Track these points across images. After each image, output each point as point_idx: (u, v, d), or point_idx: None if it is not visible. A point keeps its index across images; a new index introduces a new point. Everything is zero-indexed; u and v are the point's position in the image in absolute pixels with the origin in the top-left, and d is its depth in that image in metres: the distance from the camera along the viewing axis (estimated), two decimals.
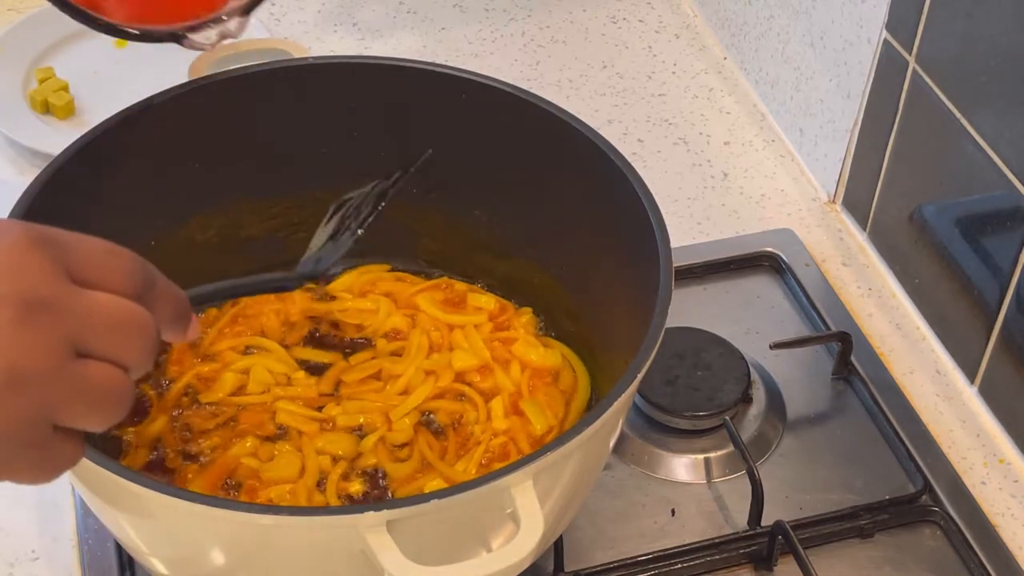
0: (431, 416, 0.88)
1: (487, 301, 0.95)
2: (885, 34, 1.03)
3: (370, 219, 0.86)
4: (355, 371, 0.91)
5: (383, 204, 0.88)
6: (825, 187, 1.16)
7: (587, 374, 0.92)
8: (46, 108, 1.18)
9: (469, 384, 0.90)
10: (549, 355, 0.92)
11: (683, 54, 1.32)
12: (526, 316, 0.95)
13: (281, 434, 0.87)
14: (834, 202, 1.15)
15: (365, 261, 0.97)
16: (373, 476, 0.85)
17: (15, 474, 0.54)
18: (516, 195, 0.93)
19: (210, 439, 0.86)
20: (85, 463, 0.67)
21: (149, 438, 0.86)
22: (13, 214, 0.78)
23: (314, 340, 0.93)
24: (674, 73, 1.30)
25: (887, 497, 0.91)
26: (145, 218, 0.87)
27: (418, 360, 0.90)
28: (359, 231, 0.86)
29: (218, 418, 0.87)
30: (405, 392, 0.89)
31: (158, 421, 0.87)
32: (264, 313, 0.93)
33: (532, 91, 0.89)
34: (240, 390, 0.89)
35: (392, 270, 0.98)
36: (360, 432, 0.87)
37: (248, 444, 0.85)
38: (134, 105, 0.85)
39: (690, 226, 1.13)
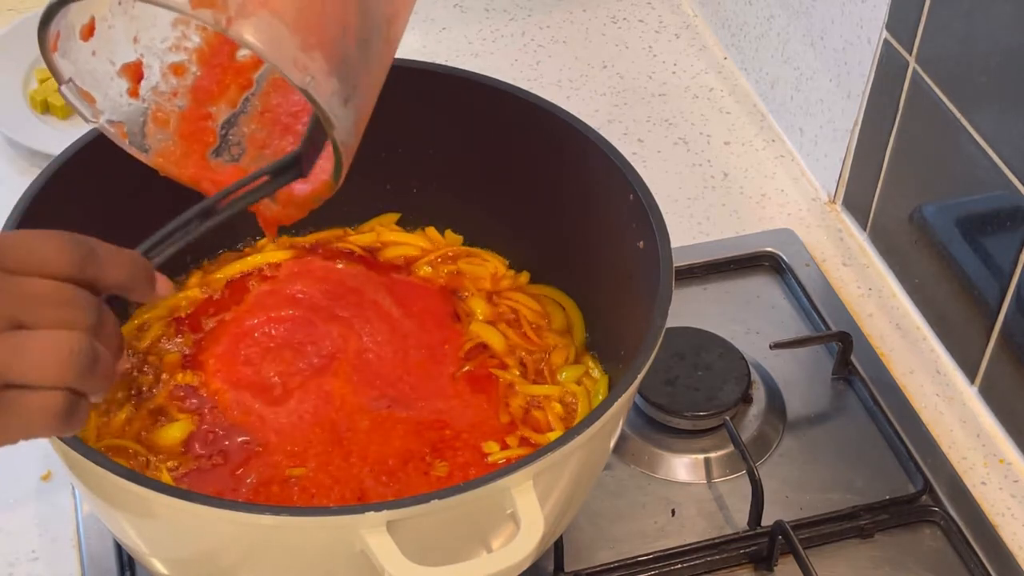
0: None
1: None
2: (885, 34, 1.03)
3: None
4: None
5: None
6: (825, 187, 1.16)
7: (578, 309, 0.93)
8: (46, 108, 1.18)
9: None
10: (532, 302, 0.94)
11: (683, 54, 1.32)
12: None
13: None
14: (834, 202, 1.15)
15: None
16: None
17: None
18: (515, 195, 0.93)
19: None
20: (85, 463, 0.67)
21: None
22: (13, 214, 0.78)
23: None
24: (674, 73, 1.29)
25: (887, 497, 0.91)
26: (147, 217, 0.87)
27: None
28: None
29: None
30: None
31: None
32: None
33: (532, 91, 0.89)
34: None
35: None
36: None
37: None
38: None
39: (690, 226, 1.13)
